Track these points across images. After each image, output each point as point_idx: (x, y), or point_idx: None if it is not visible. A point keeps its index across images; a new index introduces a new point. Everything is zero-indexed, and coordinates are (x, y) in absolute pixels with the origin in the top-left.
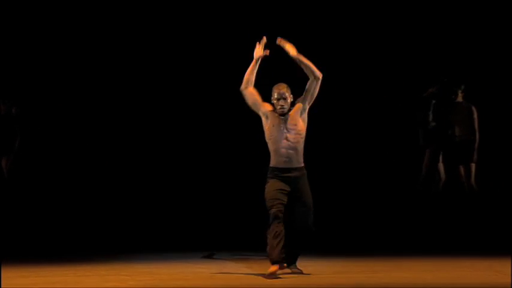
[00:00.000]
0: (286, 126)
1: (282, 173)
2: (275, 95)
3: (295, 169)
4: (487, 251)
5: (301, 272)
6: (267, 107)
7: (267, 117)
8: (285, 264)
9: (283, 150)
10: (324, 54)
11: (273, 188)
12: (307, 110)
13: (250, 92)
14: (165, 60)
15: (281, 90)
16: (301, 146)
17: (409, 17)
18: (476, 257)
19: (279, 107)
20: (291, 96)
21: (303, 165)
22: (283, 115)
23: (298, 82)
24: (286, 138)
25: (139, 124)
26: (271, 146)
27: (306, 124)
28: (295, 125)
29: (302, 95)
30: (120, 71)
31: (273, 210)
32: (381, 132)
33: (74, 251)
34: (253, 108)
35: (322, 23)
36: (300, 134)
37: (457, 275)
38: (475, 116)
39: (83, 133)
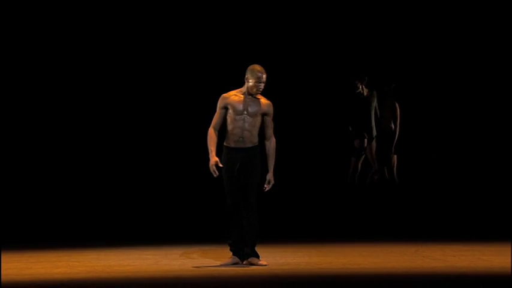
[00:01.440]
0: (247, 110)
1: (233, 152)
2: (259, 78)
3: (247, 149)
4: (415, 238)
5: (255, 264)
6: (226, 98)
7: (230, 107)
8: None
9: (238, 131)
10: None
11: (229, 184)
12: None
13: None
14: (155, 62)
15: (262, 74)
16: (256, 130)
17: (336, 16)
18: (404, 243)
19: (255, 89)
20: None
21: (255, 143)
22: (249, 99)
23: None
24: (244, 120)
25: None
26: (228, 124)
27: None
28: (255, 114)
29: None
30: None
31: (229, 203)
32: (317, 129)
33: (29, 238)
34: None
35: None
36: (257, 123)
37: (387, 259)
38: (398, 112)
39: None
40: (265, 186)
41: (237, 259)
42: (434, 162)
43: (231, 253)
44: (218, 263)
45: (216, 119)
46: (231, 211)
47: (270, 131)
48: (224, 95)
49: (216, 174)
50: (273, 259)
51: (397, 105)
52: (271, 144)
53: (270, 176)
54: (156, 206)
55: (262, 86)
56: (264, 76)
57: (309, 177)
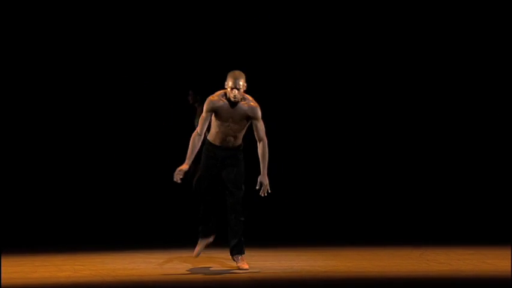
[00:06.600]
0: (232, 117)
1: (216, 149)
2: (230, 83)
3: (230, 149)
4: (419, 241)
5: (243, 268)
6: (214, 103)
7: (216, 112)
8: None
9: (222, 136)
10: None
11: (205, 171)
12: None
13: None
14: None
15: (237, 80)
16: (241, 134)
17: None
18: (409, 247)
19: (232, 95)
20: (245, 85)
21: (239, 144)
22: (233, 105)
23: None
24: (229, 126)
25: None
26: (213, 126)
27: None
28: (238, 123)
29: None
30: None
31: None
32: None
33: (32, 241)
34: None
35: None
36: (242, 128)
37: (392, 263)
38: None
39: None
40: (262, 191)
41: (205, 240)
42: (438, 166)
43: (199, 239)
44: (224, 267)
45: (202, 123)
46: (204, 194)
47: (260, 133)
48: (211, 98)
49: (177, 179)
50: (277, 263)
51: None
52: (262, 146)
53: (261, 177)
54: (163, 210)
55: (236, 92)
56: (240, 82)
57: (311, 180)
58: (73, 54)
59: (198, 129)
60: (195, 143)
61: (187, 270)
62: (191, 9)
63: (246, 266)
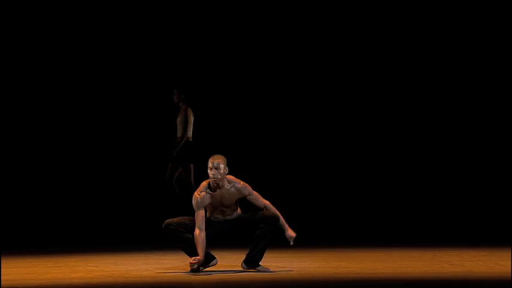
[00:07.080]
0: (222, 203)
1: (217, 220)
2: (209, 165)
3: (230, 220)
4: (432, 243)
5: (267, 271)
6: (200, 201)
7: (205, 206)
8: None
9: (219, 214)
10: None
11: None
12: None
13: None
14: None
15: (215, 160)
16: (237, 206)
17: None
18: (422, 248)
19: (211, 175)
20: (226, 168)
21: (238, 214)
22: (219, 191)
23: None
24: (221, 210)
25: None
26: (208, 212)
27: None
28: (230, 206)
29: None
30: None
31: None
32: None
33: (45, 243)
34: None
35: None
36: (236, 204)
37: (404, 264)
38: (189, 119)
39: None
40: (291, 243)
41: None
42: (452, 167)
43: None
44: (237, 268)
45: (198, 220)
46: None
47: (260, 204)
48: (196, 196)
49: (193, 267)
50: (290, 264)
51: (189, 111)
52: (269, 210)
53: (288, 233)
54: (176, 211)
55: (214, 172)
56: (215, 162)
57: (324, 181)
58: (68, 58)
59: (197, 226)
60: (198, 240)
61: (202, 272)
62: (179, 9)
63: (270, 268)
